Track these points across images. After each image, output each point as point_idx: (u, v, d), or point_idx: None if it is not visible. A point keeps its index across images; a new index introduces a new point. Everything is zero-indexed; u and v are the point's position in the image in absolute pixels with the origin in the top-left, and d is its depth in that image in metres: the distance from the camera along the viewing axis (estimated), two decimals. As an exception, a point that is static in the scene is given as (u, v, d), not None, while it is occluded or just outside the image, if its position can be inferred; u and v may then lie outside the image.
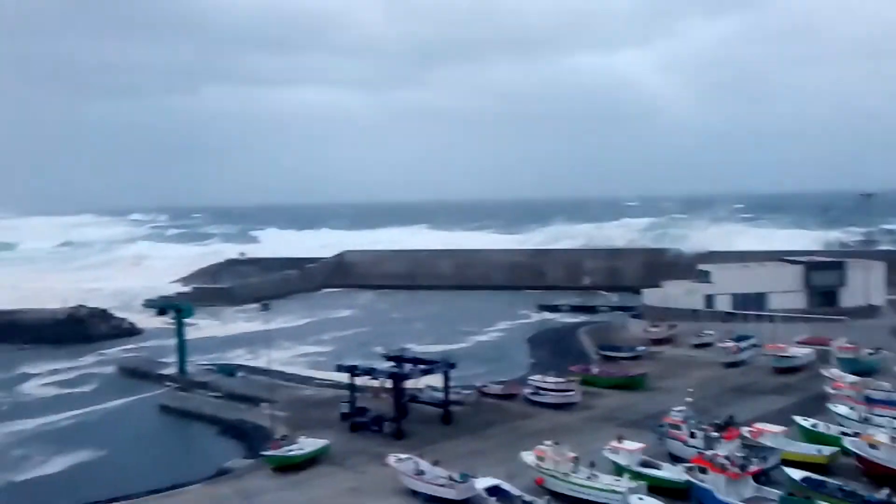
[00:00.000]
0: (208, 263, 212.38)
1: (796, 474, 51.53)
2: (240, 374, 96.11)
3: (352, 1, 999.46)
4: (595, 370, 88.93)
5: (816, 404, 70.47)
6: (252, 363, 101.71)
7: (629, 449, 55.38)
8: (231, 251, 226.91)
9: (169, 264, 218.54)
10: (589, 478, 51.95)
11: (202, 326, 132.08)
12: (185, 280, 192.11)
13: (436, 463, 55.89)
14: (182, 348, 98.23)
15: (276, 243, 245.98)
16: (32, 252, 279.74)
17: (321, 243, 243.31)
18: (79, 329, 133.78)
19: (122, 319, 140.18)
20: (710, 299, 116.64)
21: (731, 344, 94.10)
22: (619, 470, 53.56)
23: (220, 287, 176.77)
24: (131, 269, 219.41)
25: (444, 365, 73.52)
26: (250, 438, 72.86)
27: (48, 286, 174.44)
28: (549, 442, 55.59)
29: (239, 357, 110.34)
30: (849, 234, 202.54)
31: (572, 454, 54.09)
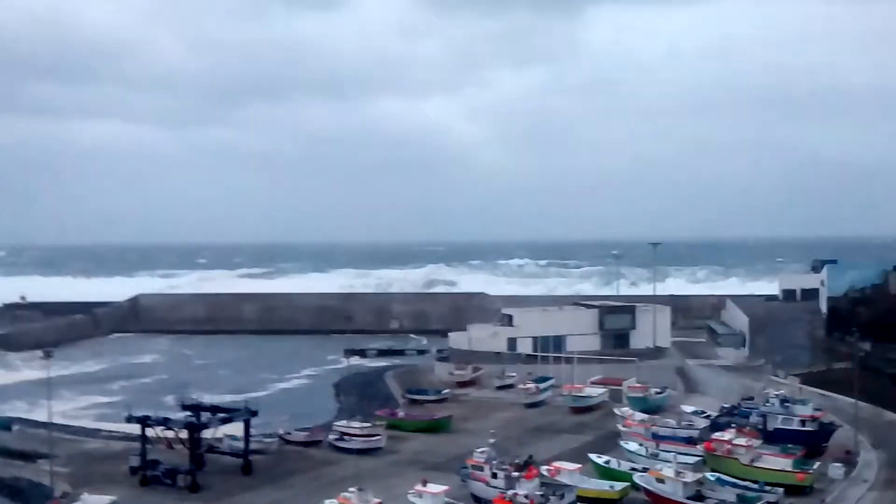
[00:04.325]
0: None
1: (591, 510, 53.28)
2: (16, 427, 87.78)
3: (145, 32, 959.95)
4: (401, 414, 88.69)
5: (610, 442, 73.72)
6: (31, 416, 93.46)
7: (433, 492, 55.23)
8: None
9: None
10: (393, 524, 51.14)
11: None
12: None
13: (233, 516, 53.11)
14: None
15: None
16: None
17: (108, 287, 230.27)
18: None
19: None
20: (512, 342, 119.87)
21: (531, 385, 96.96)
22: (422, 514, 53.12)
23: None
24: None
25: (244, 413, 70.68)
26: (27, 497, 66.23)
27: None
28: (352, 488, 54.37)
29: (16, 409, 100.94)
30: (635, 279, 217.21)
31: (377, 500, 53.26)
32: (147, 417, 69.06)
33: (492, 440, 62.30)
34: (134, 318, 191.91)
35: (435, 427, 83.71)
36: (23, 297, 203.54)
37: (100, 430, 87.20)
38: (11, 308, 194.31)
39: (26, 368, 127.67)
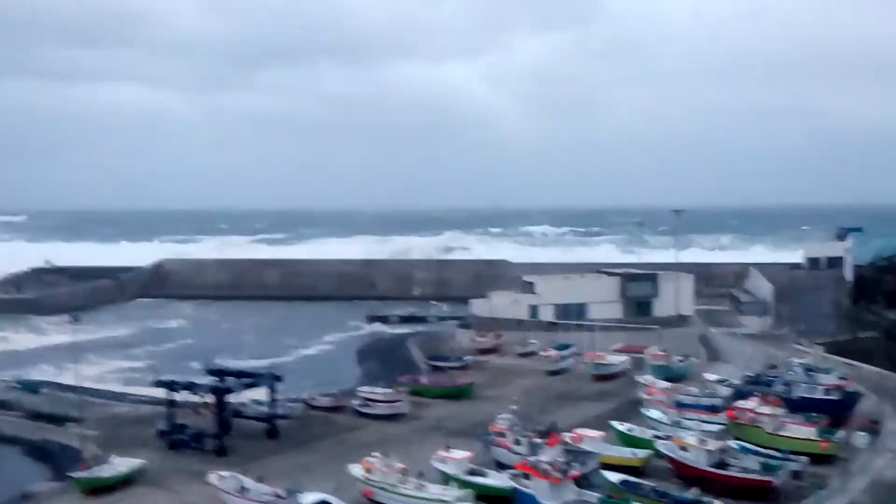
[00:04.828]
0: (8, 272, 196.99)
1: (614, 477, 53.46)
2: (45, 390, 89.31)
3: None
4: (424, 380, 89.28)
5: (632, 409, 73.74)
6: (60, 379, 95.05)
7: (456, 458, 55.62)
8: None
9: None
10: (417, 488, 51.69)
11: (9, 340, 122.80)
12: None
13: (260, 479, 53.88)
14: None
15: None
16: None
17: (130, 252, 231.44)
18: None
19: None
20: (534, 309, 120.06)
21: (553, 353, 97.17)
22: (446, 479, 53.66)
23: (24, 298, 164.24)
24: None
25: (269, 378, 71.29)
26: (57, 460, 67.87)
27: None
28: (376, 453, 54.90)
29: (45, 373, 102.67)
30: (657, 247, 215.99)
31: (400, 465, 53.67)
32: (173, 382, 69.49)
33: (514, 407, 62.62)
34: (158, 283, 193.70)
35: (457, 393, 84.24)
36: (48, 262, 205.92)
37: (127, 395, 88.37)
38: (37, 273, 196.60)
39: (54, 332, 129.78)
